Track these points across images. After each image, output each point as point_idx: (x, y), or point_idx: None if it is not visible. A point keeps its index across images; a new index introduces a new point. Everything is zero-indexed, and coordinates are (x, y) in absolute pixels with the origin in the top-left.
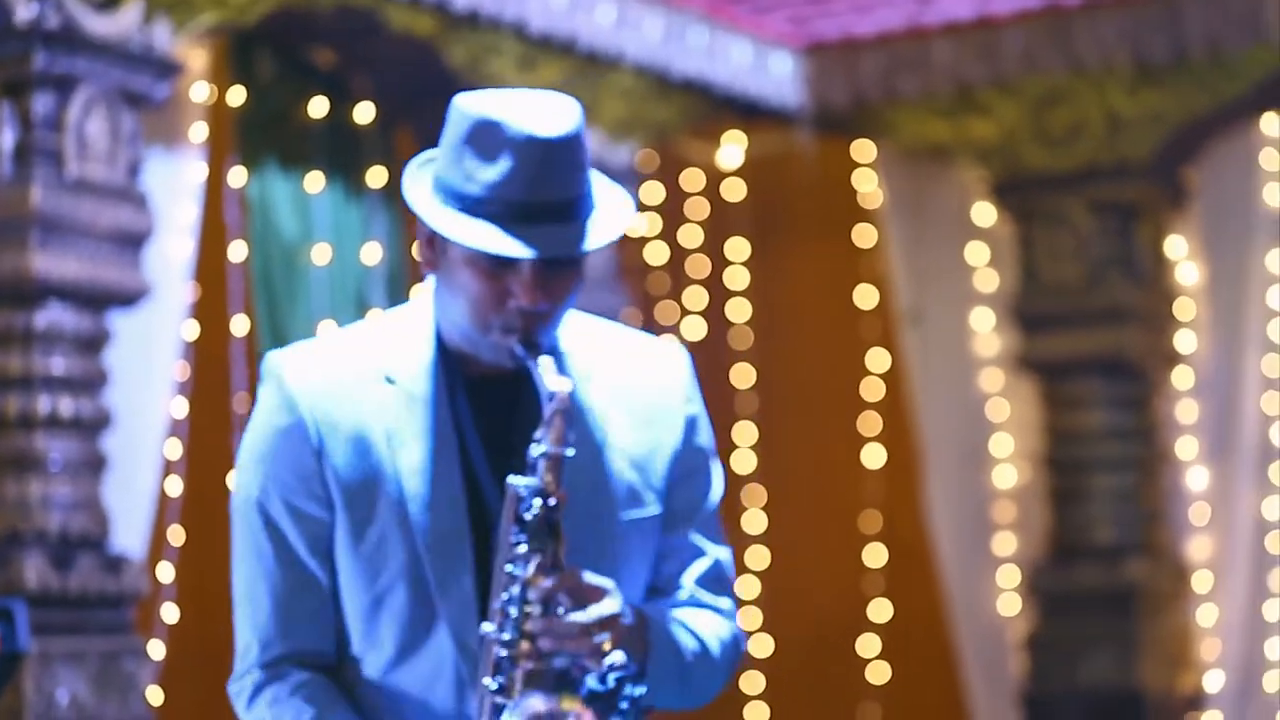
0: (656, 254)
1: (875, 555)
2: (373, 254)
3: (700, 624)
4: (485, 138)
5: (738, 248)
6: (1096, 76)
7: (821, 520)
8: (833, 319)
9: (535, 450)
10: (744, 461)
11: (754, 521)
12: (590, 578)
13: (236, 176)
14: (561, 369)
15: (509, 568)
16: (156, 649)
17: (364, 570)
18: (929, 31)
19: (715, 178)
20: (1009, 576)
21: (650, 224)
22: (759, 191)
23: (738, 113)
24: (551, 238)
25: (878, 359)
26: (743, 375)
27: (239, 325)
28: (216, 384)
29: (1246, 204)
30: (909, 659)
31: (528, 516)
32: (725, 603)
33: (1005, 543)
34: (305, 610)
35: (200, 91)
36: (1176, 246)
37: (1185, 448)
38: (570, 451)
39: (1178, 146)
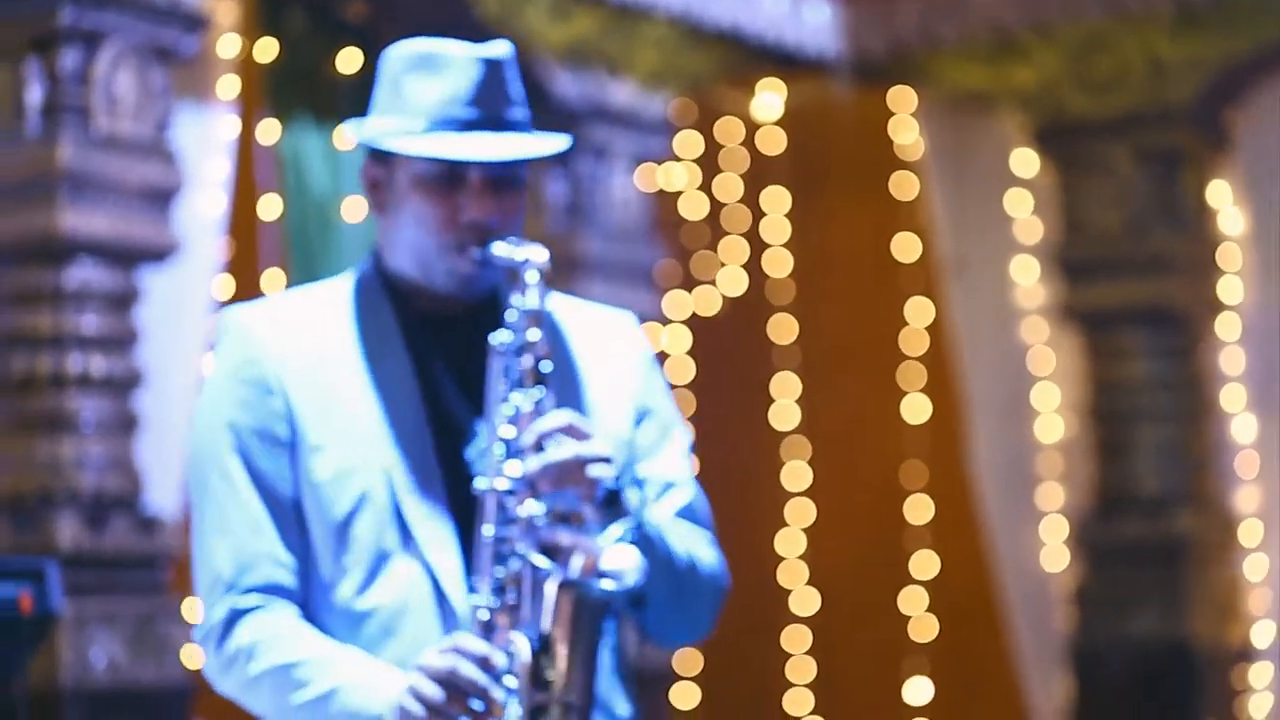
0: (693, 206)
1: (919, 509)
2: None
3: (685, 535)
4: (428, 63)
5: (776, 199)
6: (1137, 21)
7: (864, 474)
8: (872, 270)
9: (514, 305)
10: (785, 415)
11: (796, 475)
12: (579, 419)
13: (267, 131)
14: (546, 319)
15: (500, 424)
16: (192, 610)
17: (329, 496)
18: None
19: (752, 128)
20: (1055, 530)
21: (687, 176)
22: (797, 142)
23: (774, 62)
24: (497, 145)
25: (917, 310)
26: (783, 328)
27: (271, 281)
28: None
29: None
30: (954, 613)
31: (515, 371)
32: (705, 535)
33: (1051, 495)
34: (274, 539)
35: (230, 45)
36: (1220, 192)
37: (1231, 397)
38: (549, 304)
39: (1220, 91)
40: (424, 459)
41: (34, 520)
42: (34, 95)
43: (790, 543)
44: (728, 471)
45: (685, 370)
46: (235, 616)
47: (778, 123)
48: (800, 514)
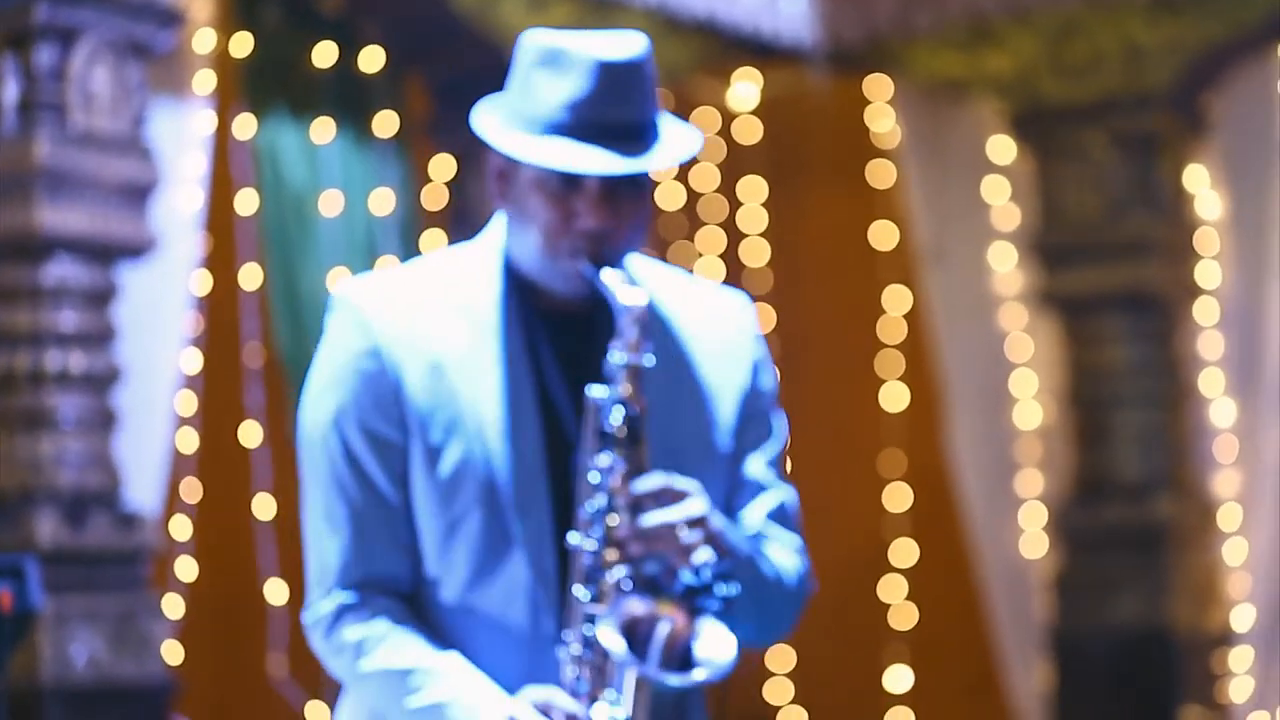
0: (670, 196)
1: (898, 497)
2: (383, 202)
3: (774, 553)
4: (555, 62)
5: (753, 188)
6: (1113, 6)
7: (843, 462)
8: (851, 259)
9: (613, 360)
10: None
11: None
12: (676, 480)
13: (243, 126)
14: (631, 283)
15: (592, 477)
16: (173, 606)
17: (440, 496)
18: None
19: (729, 118)
20: (1034, 516)
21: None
22: (773, 131)
23: (750, 52)
24: (615, 160)
25: (895, 298)
26: (761, 318)
27: (249, 276)
28: (227, 336)
29: (1267, 133)
30: (934, 601)
31: (609, 426)
32: (794, 540)
33: (1030, 482)
34: (383, 535)
35: (205, 41)
36: (1197, 177)
37: (1210, 382)
38: (649, 360)
39: (1197, 76)
40: (534, 464)
41: (13, 517)
42: (10, 92)
43: None
44: None
45: None
46: (343, 611)
47: (754, 112)
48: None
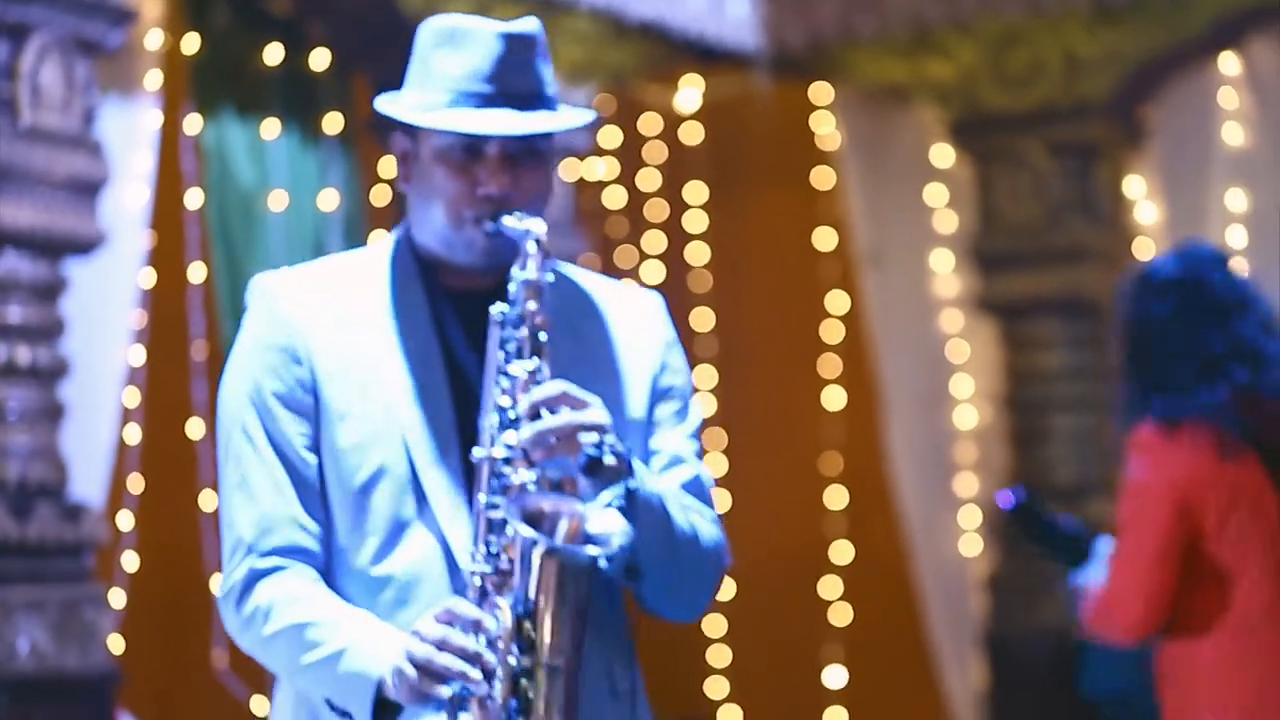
0: (614, 198)
1: (836, 497)
2: (330, 200)
3: (687, 506)
4: (453, 38)
5: (696, 191)
6: (1054, 16)
7: (782, 463)
8: (792, 262)
9: (514, 276)
10: (703, 405)
11: (713, 464)
12: (577, 390)
13: (192, 124)
14: (544, 290)
15: (495, 392)
16: (117, 597)
17: (350, 464)
18: None
19: (672, 121)
20: (970, 517)
21: (608, 168)
22: (716, 135)
23: (695, 56)
24: (513, 120)
25: (837, 301)
26: (702, 319)
27: (196, 273)
28: (174, 331)
29: (1205, 143)
30: (870, 600)
31: (513, 340)
32: (709, 512)
33: (966, 483)
34: (295, 507)
35: (155, 39)
36: (1135, 186)
37: None
38: (550, 277)
39: (1136, 86)
40: (443, 430)
41: None
42: None
43: None
44: None
45: None
46: (254, 578)
47: (697, 116)
48: (717, 502)
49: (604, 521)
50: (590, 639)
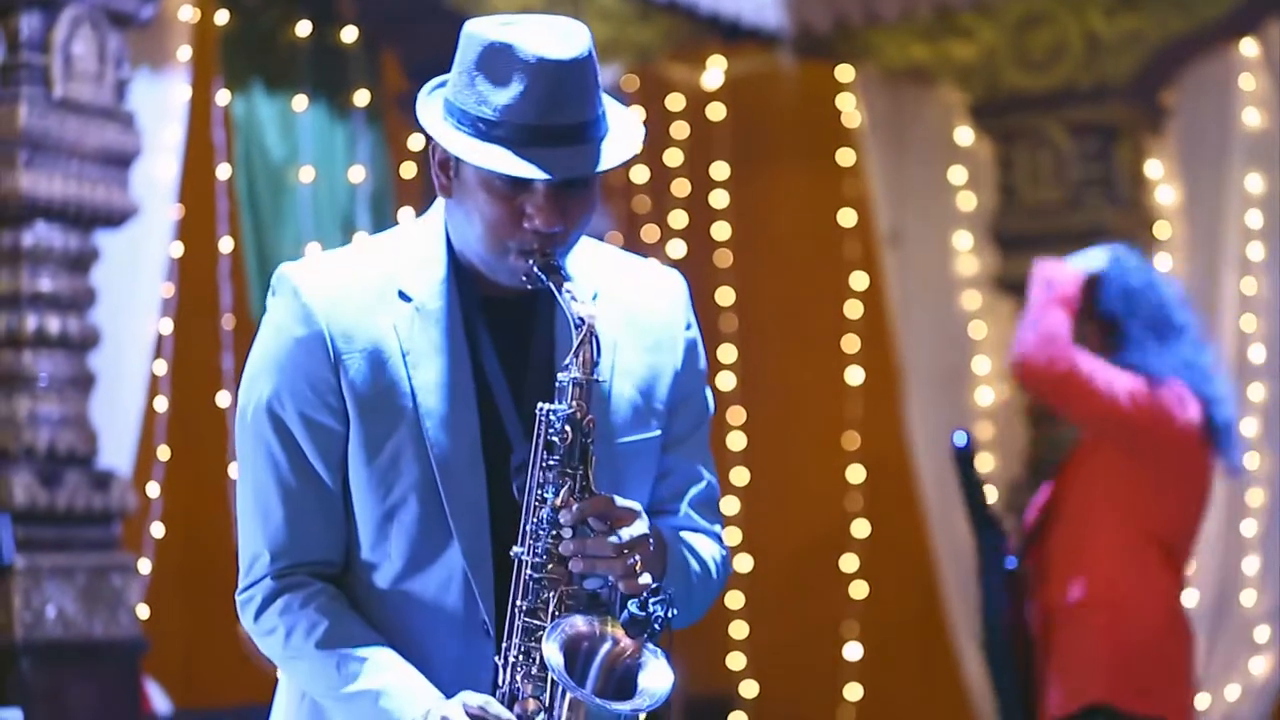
0: (639, 176)
1: (855, 474)
2: (358, 175)
3: (700, 546)
4: (496, 62)
5: (719, 169)
6: None
7: (802, 439)
8: (813, 240)
9: (563, 377)
10: (724, 381)
11: (734, 440)
12: (620, 501)
13: (222, 97)
14: (582, 295)
15: (539, 491)
16: (144, 565)
17: (377, 483)
18: None
19: (697, 100)
20: (988, 495)
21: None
22: (740, 113)
23: (720, 35)
24: (564, 159)
25: (858, 280)
26: (723, 296)
27: (225, 245)
28: (202, 303)
29: (1224, 126)
30: (888, 576)
31: (557, 441)
32: (717, 527)
33: (984, 462)
34: (316, 520)
35: (186, 12)
36: (1155, 168)
37: None
38: (599, 379)
39: (1156, 68)
40: (471, 455)
41: None
42: None
43: (726, 506)
44: None
45: None
46: (274, 593)
47: (722, 94)
48: (737, 477)
49: (654, 674)
50: None
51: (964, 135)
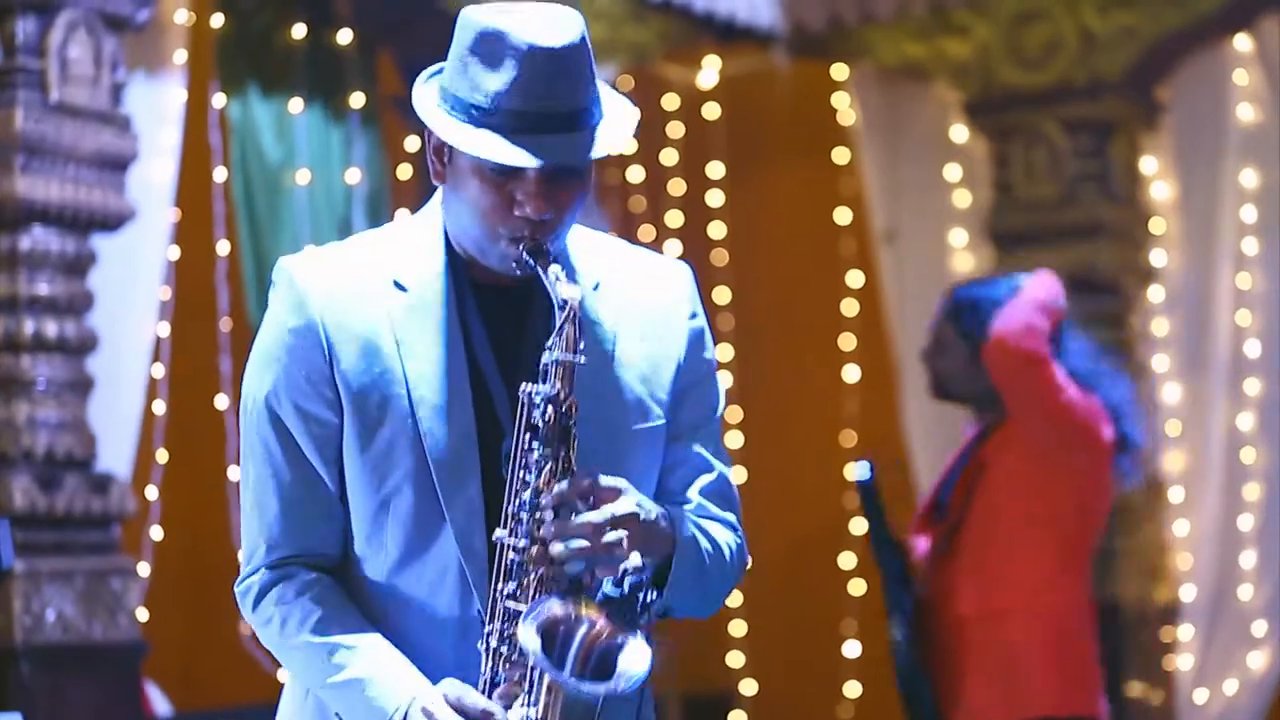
0: (635, 176)
1: (853, 472)
2: (354, 177)
3: (713, 530)
4: (490, 48)
5: (715, 168)
6: None
7: (799, 437)
8: (809, 239)
9: (547, 357)
10: (721, 380)
11: (730, 439)
12: (604, 479)
13: (218, 100)
14: (571, 278)
15: (521, 474)
16: (143, 569)
17: (371, 474)
18: None
19: (692, 99)
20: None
21: (629, 146)
22: (736, 112)
23: (715, 34)
24: (556, 147)
25: (854, 278)
26: (720, 295)
27: (222, 248)
28: (199, 306)
29: (1219, 121)
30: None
31: (540, 423)
32: (731, 516)
33: None
34: (312, 512)
35: (182, 15)
36: (1150, 164)
37: (1159, 363)
38: (581, 359)
39: (1151, 64)
40: (466, 446)
41: None
42: None
43: None
44: None
45: None
46: (270, 583)
47: (717, 94)
48: (734, 476)
49: (632, 654)
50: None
51: (959, 133)
